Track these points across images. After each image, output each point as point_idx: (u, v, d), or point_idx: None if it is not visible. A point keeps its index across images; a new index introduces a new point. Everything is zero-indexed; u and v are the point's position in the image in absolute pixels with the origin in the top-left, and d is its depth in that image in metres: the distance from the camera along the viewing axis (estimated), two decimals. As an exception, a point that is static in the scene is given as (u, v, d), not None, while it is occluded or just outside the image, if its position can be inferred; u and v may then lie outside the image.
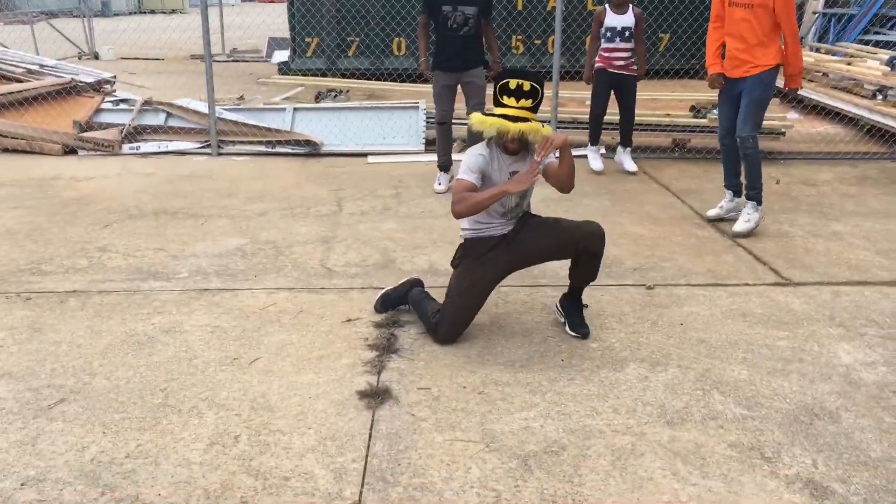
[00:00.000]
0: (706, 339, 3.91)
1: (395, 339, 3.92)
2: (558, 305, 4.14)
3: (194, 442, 3.02)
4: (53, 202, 6.15)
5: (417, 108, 8.21)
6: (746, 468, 2.89)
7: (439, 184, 6.58)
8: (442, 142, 6.62)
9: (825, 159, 7.80)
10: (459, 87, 6.46)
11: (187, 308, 4.25)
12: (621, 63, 6.96)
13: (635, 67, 7.03)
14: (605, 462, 2.92)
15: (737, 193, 5.76)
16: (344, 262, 4.97)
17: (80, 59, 15.85)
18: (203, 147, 7.80)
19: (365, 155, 7.79)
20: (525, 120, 3.67)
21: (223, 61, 15.75)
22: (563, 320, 4.07)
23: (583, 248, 3.80)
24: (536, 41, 12.85)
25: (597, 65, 7.01)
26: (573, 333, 3.97)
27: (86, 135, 7.69)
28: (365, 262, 4.97)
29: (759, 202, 5.53)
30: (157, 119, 8.10)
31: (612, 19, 6.90)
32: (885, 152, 7.94)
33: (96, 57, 16.38)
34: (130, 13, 31.61)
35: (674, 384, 3.48)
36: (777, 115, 8.08)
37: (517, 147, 3.79)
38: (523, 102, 3.69)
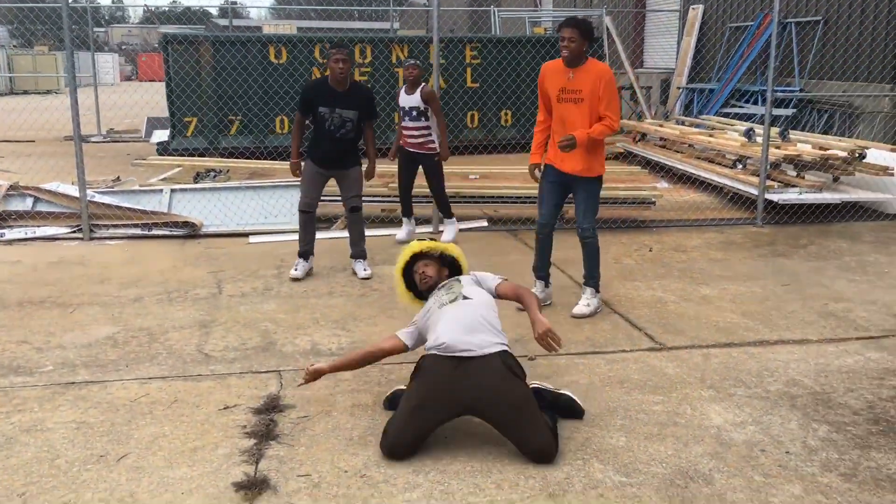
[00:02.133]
0: (586, 407, 3.96)
1: (274, 424, 3.81)
2: None
3: (53, 551, 2.81)
4: None
5: (295, 186, 8.17)
6: (626, 537, 2.91)
7: (295, 269, 6.26)
8: (304, 230, 6.30)
9: (693, 226, 8.21)
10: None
11: (51, 404, 4.01)
12: (414, 141, 7.22)
13: (433, 146, 7.23)
14: (488, 541, 2.88)
15: (547, 284, 5.73)
16: (223, 347, 4.83)
17: (-57, 142, 15.09)
18: (74, 231, 7.50)
19: (246, 235, 7.67)
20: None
21: (99, 142, 15.33)
22: None
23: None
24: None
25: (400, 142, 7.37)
26: None
27: (-55, 222, 7.28)
28: (244, 346, 4.84)
29: (598, 289, 5.52)
30: (24, 204, 7.75)
31: (402, 99, 7.21)
32: (748, 218, 8.43)
33: (-39, 140, 15.64)
34: (1, 94, 30.50)
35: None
36: (647, 184, 8.49)
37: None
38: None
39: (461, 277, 4.10)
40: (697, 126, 11.90)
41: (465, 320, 3.68)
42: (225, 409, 3.98)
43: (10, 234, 7.38)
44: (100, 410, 3.94)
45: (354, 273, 6.37)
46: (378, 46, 12.90)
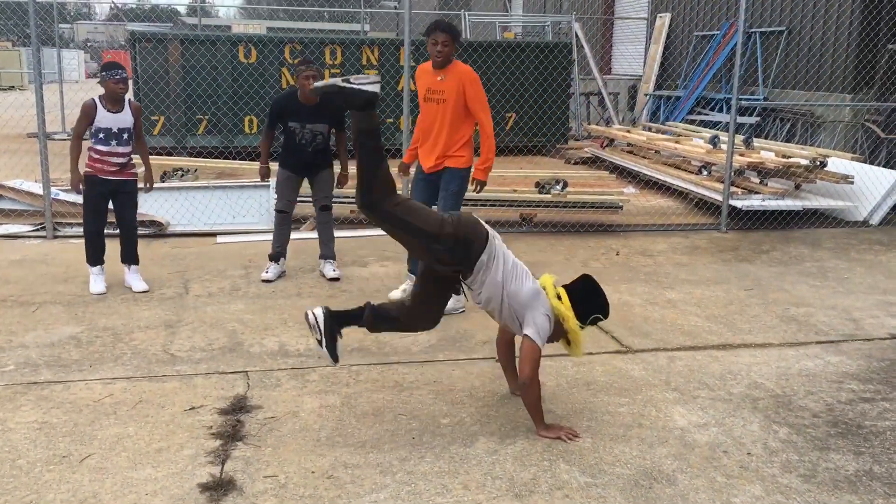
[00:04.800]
0: (553, 409, 4.00)
1: (241, 425, 3.79)
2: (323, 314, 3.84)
3: (14, 553, 2.77)
4: None
5: (268, 186, 8.13)
6: (591, 536, 2.94)
7: (266, 272, 6.20)
8: (279, 232, 6.26)
9: (660, 231, 8.31)
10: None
11: (12, 404, 3.95)
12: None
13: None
14: (454, 541, 2.90)
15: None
16: (189, 347, 4.79)
17: None
18: (37, 230, 7.39)
19: (214, 234, 7.62)
20: None
21: (63, 139, 15.09)
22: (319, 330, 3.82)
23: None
24: (388, 120, 13.13)
25: None
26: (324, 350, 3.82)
27: None
28: (211, 347, 4.81)
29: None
30: (-14, 201, 7.62)
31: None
32: (712, 223, 8.55)
33: (-79, 135, 15.31)
34: (-38, 89, 29.88)
35: (522, 456, 3.53)
36: (614, 189, 8.58)
37: None
38: None
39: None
40: (664, 133, 12.05)
41: None
42: (191, 409, 3.95)
43: (-30, 231, 7.25)
44: (63, 411, 3.89)
45: (323, 274, 6.33)
46: (349, 48, 12.88)
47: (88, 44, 50.85)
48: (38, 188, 7.61)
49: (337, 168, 6.37)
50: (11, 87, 31.49)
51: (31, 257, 6.69)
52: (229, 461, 3.45)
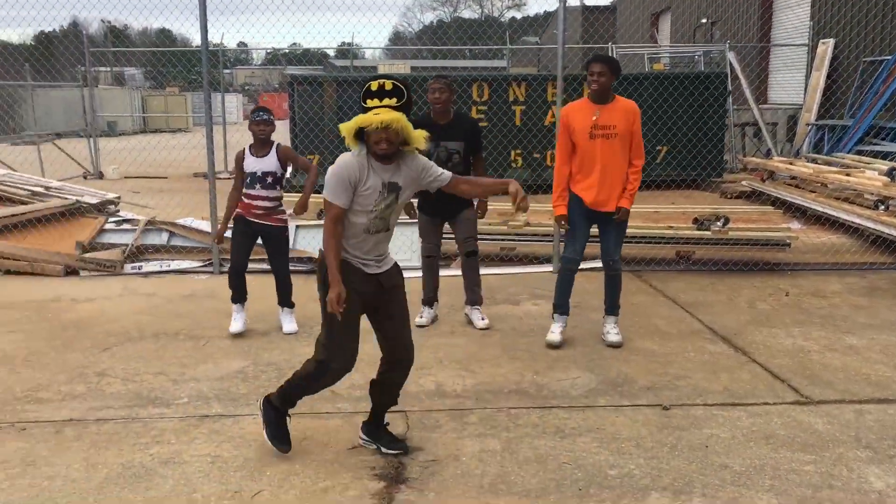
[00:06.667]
0: (729, 464, 3.73)
1: (403, 467, 3.75)
2: (363, 436, 4.01)
3: (192, 589, 2.81)
4: (52, 325, 6.04)
5: (415, 223, 8.20)
6: None
7: (421, 317, 6.02)
8: (427, 276, 6.10)
9: (832, 270, 7.75)
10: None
11: (187, 436, 4.08)
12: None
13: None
14: None
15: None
16: (348, 385, 4.81)
17: (85, 178, 16.07)
18: (205, 266, 7.76)
19: (368, 271, 7.73)
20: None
21: (226, 178, 15.97)
22: (374, 446, 3.95)
23: (394, 363, 3.87)
24: (536, 155, 13.07)
25: None
26: (391, 451, 3.89)
27: (88, 255, 7.67)
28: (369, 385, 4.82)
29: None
30: (160, 238, 8.09)
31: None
32: (893, 263, 7.89)
33: (101, 176, 16.62)
34: (135, 132, 32.33)
35: (700, 515, 3.29)
36: (781, 225, 8.09)
37: (387, 148, 3.58)
38: (387, 101, 3.56)
39: None
40: (831, 164, 11.33)
41: None
42: (353, 448, 3.95)
43: (146, 266, 7.70)
44: (233, 445, 3.98)
45: (471, 322, 6.06)
46: (495, 85, 12.95)
47: (245, 87, 53.98)
48: (206, 226, 8.01)
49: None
50: (178, 130, 33.78)
51: (199, 292, 7.01)
52: (394, 505, 3.40)
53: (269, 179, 5.70)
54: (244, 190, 5.75)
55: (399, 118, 3.52)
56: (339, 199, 3.60)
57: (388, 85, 3.59)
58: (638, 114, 5.32)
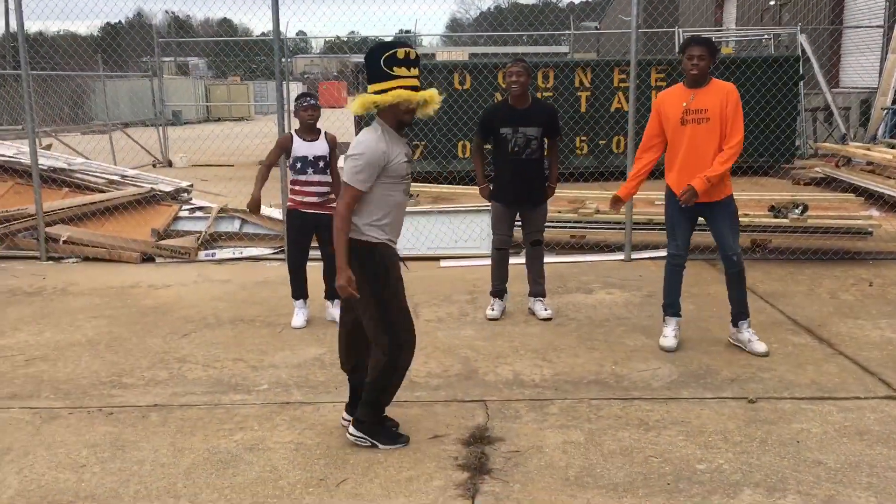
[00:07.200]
0: (823, 460, 3.62)
1: (486, 458, 3.72)
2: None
3: (285, 576, 2.83)
4: (132, 311, 6.18)
5: (488, 210, 8.16)
6: None
7: (492, 309, 5.94)
8: (497, 269, 5.97)
9: (917, 259, 7.47)
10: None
11: (269, 423, 4.12)
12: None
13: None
14: None
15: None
16: (426, 373, 4.82)
17: (154, 166, 16.43)
18: (277, 252, 7.85)
19: (437, 259, 7.73)
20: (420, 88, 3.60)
21: (290, 166, 16.12)
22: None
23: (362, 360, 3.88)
24: (601, 142, 12.88)
25: None
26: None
27: (163, 243, 7.82)
28: (447, 373, 4.82)
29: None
30: (233, 226, 8.21)
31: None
32: (981, 251, 7.57)
33: (170, 164, 16.96)
34: (199, 122, 32.92)
35: (796, 513, 3.19)
36: (862, 213, 7.82)
37: (410, 120, 3.61)
38: (414, 71, 3.55)
39: None
40: (911, 150, 10.92)
41: None
42: (434, 437, 3.94)
43: (220, 253, 7.82)
44: (315, 432, 4.01)
45: (533, 313, 5.96)
46: (561, 71, 12.79)
47: (305, 76, 54.49)
48: (277, 213, 8.09)
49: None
50: (241, 118, 34.29)
51: (272, 279, 7.09)
52: (479, 496, 3.38)
53: (322, 164, 5.69)
54: (293, 177, 5.71)
55: (433, 95, 3.60)
56: (366, 184, 3.59)
57: (413, 54, 3.59)
58: (733, 93, 4.92)
